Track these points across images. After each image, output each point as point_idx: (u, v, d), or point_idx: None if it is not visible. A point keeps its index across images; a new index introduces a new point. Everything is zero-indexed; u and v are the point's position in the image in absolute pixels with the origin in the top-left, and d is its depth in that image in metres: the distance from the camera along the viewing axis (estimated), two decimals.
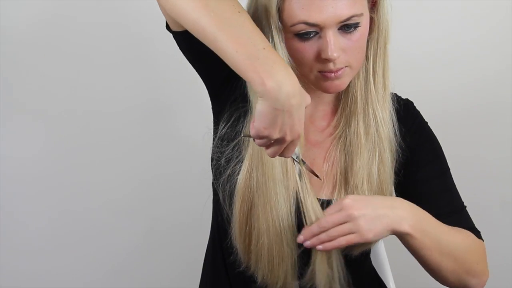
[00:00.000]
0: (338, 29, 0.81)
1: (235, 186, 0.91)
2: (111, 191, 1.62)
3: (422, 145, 0.97)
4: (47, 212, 1.61)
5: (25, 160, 1.57)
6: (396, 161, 0.95)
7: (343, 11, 0.79)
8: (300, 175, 0.87)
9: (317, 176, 0.86)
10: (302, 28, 0.80)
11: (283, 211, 0.88)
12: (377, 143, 0.92)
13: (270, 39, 0.81)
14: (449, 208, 0.95)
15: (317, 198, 0.90)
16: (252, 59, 0.69)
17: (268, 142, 0.74)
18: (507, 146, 1.63)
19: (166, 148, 1.58)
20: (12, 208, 1.59)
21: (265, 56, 0.70)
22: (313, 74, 0.85)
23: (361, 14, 0.81)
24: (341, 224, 0.80)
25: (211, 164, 0.98)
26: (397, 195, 0.99)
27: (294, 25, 0.80)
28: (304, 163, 0.85)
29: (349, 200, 0.81)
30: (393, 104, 0.94)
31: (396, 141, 0.94)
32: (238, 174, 0.90)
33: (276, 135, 0.72)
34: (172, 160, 1.59)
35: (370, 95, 0.90)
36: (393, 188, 0.96)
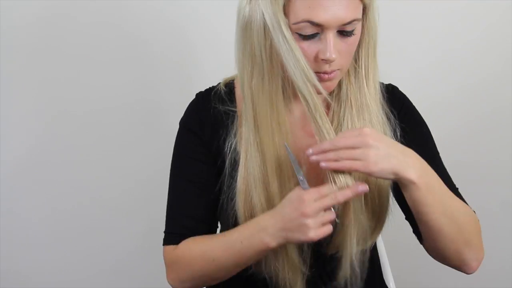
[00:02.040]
0: (337, 31, 0.83)
1: (234, 196, 0.93)
2: (110, 191, 1.62)
3: (412, 129, 0.98)
4: (45, 211, 1.61)
5: (23, 159, 1.57)
6: None
7: (347, 14, 0.81)
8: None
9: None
10: (305, 26, 0.81)
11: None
12: None
13: (280, 37, 0.82)
14: None
15: None
16: (246, 243, 0.87)
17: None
18: (507, 147, 1.63)
19: (165, 146, 1.58)
20: (10, 208, 1.59)
21: (248, 238, 0.87)
22: None
23: (360, 19, 0.84)
24: (353, 148, 0.81)
25: None
26: (393, 194, 0.99)
27: (297, 23, 0.81)
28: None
29: (368, 129, 0.81)
30: (382, 94, 0.95)
31: (396, 139, 0.94)
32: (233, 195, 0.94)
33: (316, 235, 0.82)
34: (170, 158, 1.59)
35: (365, 98, 0.92)
36: (390, 188, 0.95)
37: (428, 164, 0.89)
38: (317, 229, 0.81)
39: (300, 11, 0.81)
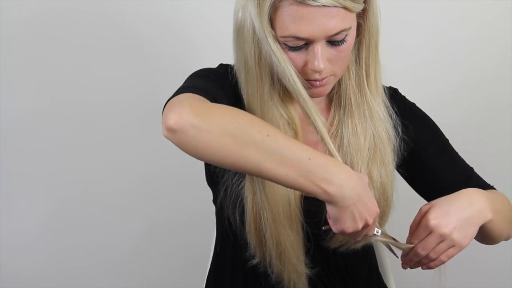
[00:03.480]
0: (326, 40, 0.83)
1: (241, 190, 0.91)
2: (110, 189, 1.62)
3: (418, 126, 1.00)
4: (44, 210, 1.61)
5: (21, 159, 1.57)
6: (398, 155, 0.97)
7: (333, 26, 0.80)
8: (389, 248, 0.89)
9: (398, 250, 0.88)
10: (292, 40, 0.81)
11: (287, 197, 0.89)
12: (377, 144, 0.93)
13: (268, 47, 0.82)
14: (463, 177, 1.00)
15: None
16: (305, 175, 0.73)
17: (357, 234, 0.80)
18: (507, 146, 1.63)
19: (163, 144, 1.58)
20: (9, 207, 1.59)
21: (315, 164, 0.73)
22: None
23: (350, 28, 0.83)
24: (438, 244, 0.84)
25: (207, 181, 1.01)
26: (413, 186, 1.03)
27: (284, 37, 0.81)
28: (389, 237, 0.87)
29: (433, 221, 0.83)
30: (385, 95, 0.96)
31: (397, 135, 0.95)
32: (240, 185, 0.91)
33: (360, 226, 0.78)
34: (169, 155, 1.59)
35: (365, 96, 0.92)
36: (394, 187, 0.97)
37: (442, 155, 0.98)
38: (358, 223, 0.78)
39: (285, 26, 0.80)
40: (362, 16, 0.87)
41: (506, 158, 1.64)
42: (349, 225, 0.77)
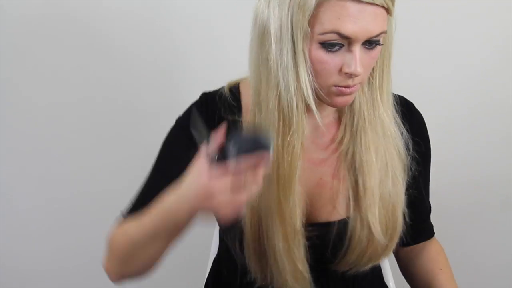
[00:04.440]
0: (362, 44, 0.79)
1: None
2: (109, 189, 1.62)
3: (420, 148, 0.97)
4: (43, 209, 1.61)
5: (21, 158, 1.57)
6: (409, 174, 0.94)
7: (375, 27, 0.78)
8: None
9: None
10: (332, 38, 0.77)
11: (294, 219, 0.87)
12: (388, 163, 0.90)
13: (291, 44, 0.78)
14: (426, 214, 1.04)
15: (331, 221, 0.91)
16: (173, 219, 0.77)
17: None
18: (507, 146, 1.63)
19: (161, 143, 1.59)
20: (9, 206, 1.59)
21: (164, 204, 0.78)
22: (327, 87, 0.82)
23: (386, 32, 0.80)
24: None
25: None
26: None
27: (324, 33, 0.77)
28: None
29: None
30: (397, 106, 0.92)
31: (408, 153, 0.92)
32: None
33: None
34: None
35: (378, 111, 0.88)
36: (404, 206, 0.94)
37: (421, 190, 0.98)
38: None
39: (328, 22, 0.76)
40: None
41: (506, 158, 1.64)
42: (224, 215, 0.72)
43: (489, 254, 1.67)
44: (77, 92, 1.55)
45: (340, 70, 0.80)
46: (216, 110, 0.91)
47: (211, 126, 0.86)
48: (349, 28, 0.76)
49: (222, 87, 0.95)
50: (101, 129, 1.58)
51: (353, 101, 0.89)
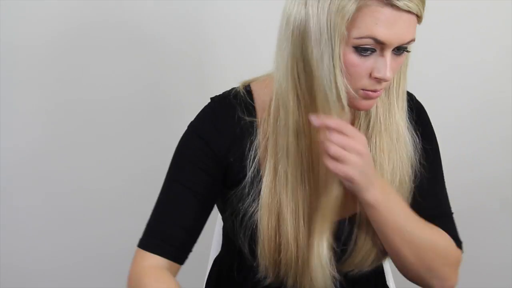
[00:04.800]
0: (392, 49, 0.80)
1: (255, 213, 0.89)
2: (108, 187, 1.62)
3: (424, 143, 0.97)
4: (41, 208, 1.61)
5: (21, 157, 1.57)
6: (414, 182, 0.94)
7: (408, 34, 0.79)
8: None
9: None
10: (367, 42, 0.78)
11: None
12: (398, 165, 0.91)
13: (330, 47, 0.78)
14: (434, 211, 0.95)
15: (342, 218, 0.91)
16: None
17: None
18: (507, 146, 1.63)
19: (160, 141, 1.59)
20: (7, 205, 1.59)
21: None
22: (355, 90, 0.82)
23: (415, 40, 0.82)
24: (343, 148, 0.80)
25: (218, 208, 0.99)
26: None
27: (361, 38, 0.78)
28: None
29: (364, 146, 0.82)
30: (411, 109, 0.93)
31: (417, 159, 0.93)
32: (256, 210, 0.89)
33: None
34: (167, 153, 1.59)
35: (394, 117, 0.90)
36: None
37: (431, 183, 0.93)
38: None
39: (365, 27, 0.77)
40: None
41: (506, 158, 1.65)
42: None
43: (489, 254, 1.67)
44: (77, 92, 1.56)
45: (370, 75, 0.81)
46: (229, 113, 0.91)
47: (231, 127, 0.90)
48: (385, 34, 0.77)
49: (233, 88, 0.95)
50: (100, 128, 1.59)
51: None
